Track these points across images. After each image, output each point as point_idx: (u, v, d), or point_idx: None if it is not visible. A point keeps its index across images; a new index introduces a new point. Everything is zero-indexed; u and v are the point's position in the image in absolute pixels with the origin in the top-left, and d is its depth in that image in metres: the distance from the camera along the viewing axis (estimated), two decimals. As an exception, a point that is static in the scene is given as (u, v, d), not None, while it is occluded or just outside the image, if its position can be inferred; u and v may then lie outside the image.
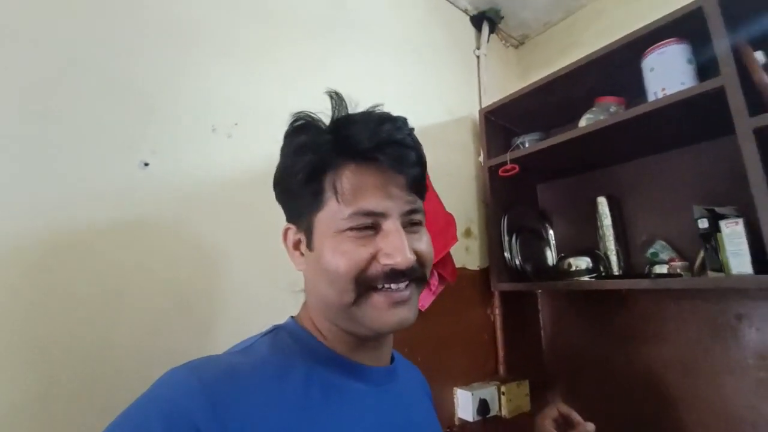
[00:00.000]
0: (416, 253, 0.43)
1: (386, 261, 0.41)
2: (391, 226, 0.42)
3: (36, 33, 0.60)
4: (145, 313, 0.63)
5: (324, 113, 0.46)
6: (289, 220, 0.48)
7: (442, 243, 0.91)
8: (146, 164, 0.67)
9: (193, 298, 0.68)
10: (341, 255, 0.41)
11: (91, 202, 0.61)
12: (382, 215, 0.42)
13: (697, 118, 0.85)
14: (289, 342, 0.44)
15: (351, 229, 0.41)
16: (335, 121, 0.45)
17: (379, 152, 0.41)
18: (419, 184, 0.45)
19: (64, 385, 0.55)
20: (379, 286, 0.41)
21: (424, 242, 0.45)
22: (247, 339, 0.46)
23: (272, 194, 0.52)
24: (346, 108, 0.46)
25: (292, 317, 0.49)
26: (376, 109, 0.45)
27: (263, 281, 0.76)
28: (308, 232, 0.44)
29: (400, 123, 0.44)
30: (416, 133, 0.48)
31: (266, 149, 0.81)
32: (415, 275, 0.43)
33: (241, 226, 0.75)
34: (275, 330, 0.46)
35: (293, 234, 0.47)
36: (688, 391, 0.94)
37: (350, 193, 0.41)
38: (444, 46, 1.26)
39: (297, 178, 0.43)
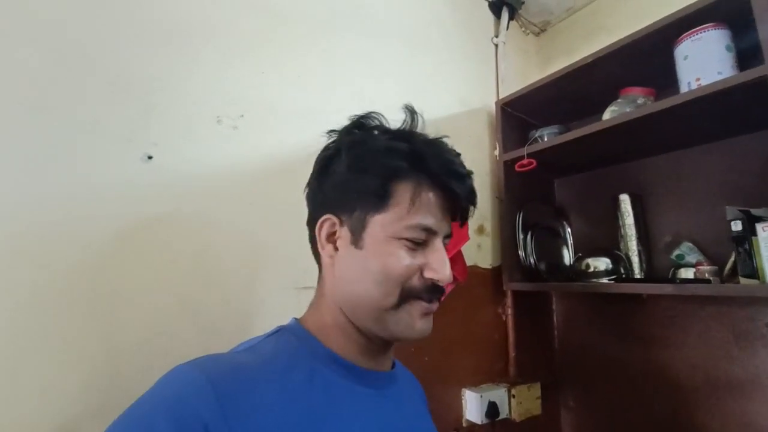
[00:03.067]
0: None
1: (431, 275, 0.44)
2: (439, 244, 0.46)
3: (35, 26, 0.58)
4: (148, 311, 0.62)
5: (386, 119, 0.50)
6: (330, 211, 0.47)
7: (453, 241, 0.88)
8: (150, 157, 0.65)
9: (197, 295, 0.67)
10: (396, 260, 0.43)
11: (92, 197, 0.60)
12: (434, 233, 0.45)
13: (734, 110, 0.79)
14: (294, 342, 0.45)
15: (408, 239, 0.44)
16: (410, 134, 0.48)
17: (449, 179, 0.46)
18: (466, 215, 0.51)
19: (60, 384, 0.54)
20: (417, 297, 0.44)
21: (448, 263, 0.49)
22: (251, 339, 0.46)
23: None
24: (418, 124, 0.50)
25: (295, 318, 0.50)
26: (443, 138, 0.50)
27: (268, 278, 0.75)
28: (358, 230, 0.45)
29: (460, 159, 0.49)
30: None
31: (273, 141, 0.80)
32: (442, 293, 0.47)
33: (243, 221, 0.73)
34: (279, 331, 0.47)
35: (331, 226, 0.47)
36: (710, 400, 0.89)
37: (420, 206, 0.45)
38: (460, 34, 1.20)
39: (367, 176, 0.45)
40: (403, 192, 0.45)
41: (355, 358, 0.46)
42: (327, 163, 0.48)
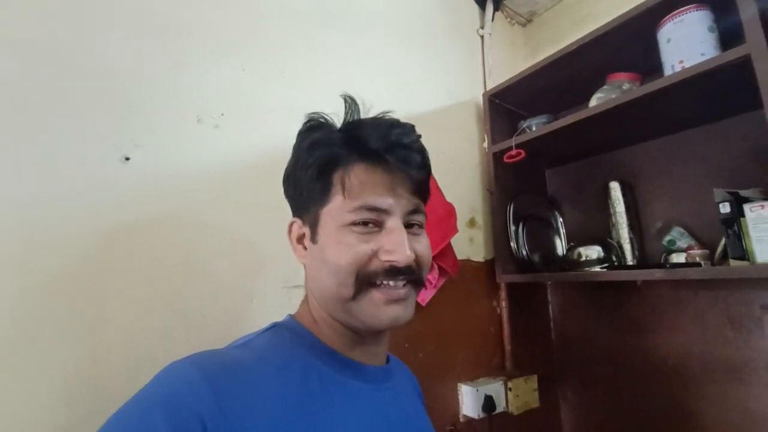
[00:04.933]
0: (416, 254, 0.44)
1: (387, 257, 0.42)
2: (394, 223, 0.43)
3: (10, 24, 0.58)
4: (134, 312, 0.61)
5: (336, 114, 0.49)
6: (296, 214, 0.50)
7: (441, 234, 0.87)
8: (127, 158, 0.64)
9: (182, 297, 0.66)
10: (344, 248, 0.42)
11: (69, 200, 0.59)
12: (386, 212, 0.43)
13: (719, 92, 0.78)
14: (289, 338, 0.45)
15: (355, 223, 0.43)
16: (348, 123, 0.48)
17: (388, 153, 0.43)
18: (423, 188, 0.47)
19: (47, 388, 0.53)
20: (378, 283, 0.42)
21: (423, 245, 0.46)
22: (246, 336, 0.46)
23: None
24: (359, 111, 0.49)
25: (290, 315, 0.50)
26: (387, 114, 0.48)
27: (255, 277, 0.74)
28: (314, 226, 0.46)
29: (408, 128, 0.46)
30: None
31: (255, 140, 0.79)
32: (412, 276, 0.44)
33: (228, 220, 0.72)
34: (274, 327, 0.47)
35: (298, 228, 0.49)
36: (707, 385, 0.88)
37: (358, 188, 0.43)
38: (445, 26, 1.19)
39: (308, 171, 0.46)
40: (342, 178, 0.44)
41: (348, 352, 0.46)
42: (285, 169, 0.51)
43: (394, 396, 0.48)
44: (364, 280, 0.42)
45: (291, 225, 0.50)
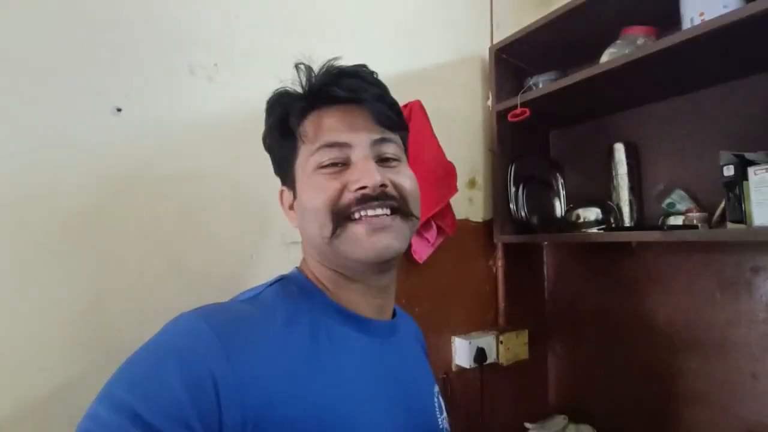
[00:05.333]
0: (394, 183, 0.44)
1: (354, 186, 0.42)
2: (359, 154, 0.43)
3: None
4: (132, 267, 0.62)
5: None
6: (283, 182, 0.51)
7: (441, 193, 0.87)
8: (119, 110, 0.62)
9: (181, 252, 0.67)
10: (315, 190, 0.43)
11: (60, 153, 0.58)
12: (347, 146, 0.43)
13: (739, 48, 0.74)
14: (296, 292, 0.45)
15: (322, 166, 0.43)
16: (304, 86, 0.47)
17: (332, 86, 0.44)
18: (387, 118, 0.45)
19: (56, 339, 0.56)
20: (356, 216, 0.42)
21: (404, 176, 0.46)
22: (254, 288, 0.46)
23: (258, 140, 0.51)
24: (313, 74, 0.47)
25: (297, 267, 0.50)
26: (336, 61, 0.47)
27: (254, 233, 0.75)
28: (292, 185, 0.47)
29: (359, 66, 0.46)
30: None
31: (250, 91, 0.75)
32: (394, 204, 0.43)
33: (226, 175, 0.72)
34: (282, 280, 0.47)
35: (287, 195, 0.50)
36: (693, 343, 0.92)
37: (313, 132, 0.44)
38: (452, -28, 1.11)
39: (273, 135, 0.48)
40: (303, 126, 0.45)
41: (355, 307, 0.46)
42: (263, 144, 0.51)
43: (399, 350, 0.49)
44: (341, 215, 0.42)
45: (281, 194, 0.51)
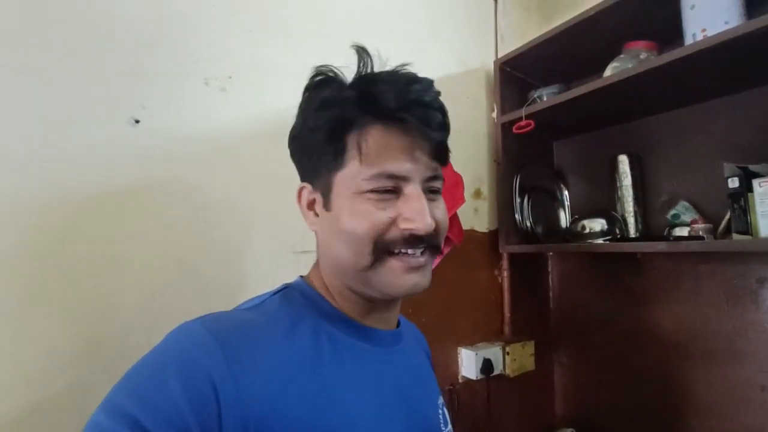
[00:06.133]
0: (435, 221, 0.42)
1: (406, 225, 0.40)
2: (413, 190, 0.41)
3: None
4: (144, 275, 0.63)
5: (347, 68, 0.44)
6: (305, 179, 0.46)
7: (449, 204, 0.87)
8: (137, 121, 0.64)
9: (192, 259, 0.68)
10: (361, 217, 0.40)
11: (79, 163, 0.59)
12: (404, 179, 0.41)
13: (741, 63, 0.76)
14: (300, 300, 0.44)
15: (372, 191, 0.40)
16: (361, 78, 0.43)
17: (407, 113, 0.40)
18: (443, 150, 0.44)
19: (66, 347, 0.56)
20: (396, 251, 0.41)
21: (441, 210, 0.45)
22: (257, 297, 0.45)
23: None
24: (372, 64, 0.44)
25: (301, 277, 0.49)
26: (404, 68, 0.43)
27: (264, 240, 0.75)
28: (326, 192, 0.43)
29: (427, 84, 0.42)
30: None
31: (263, 103, 0.77)
32: (431, 243, 0.42)
33: (238, 184, 0.73)
34: (286, 289, 0.46)
35: (308, 193, 0.46)
36: (700, 353, 0.92)
37: (375, 153, 0.40)
38: (457, -12, 1.14)
39: (318, 134, 0.42)
40: (357, 142, 0.40)
41: (359, 316, 0.45)
42: (292, 130, 0.47)
43: (402, 359, 0.49)
44: (382, 249, 0.40)
45: (300, 190, 0.47)
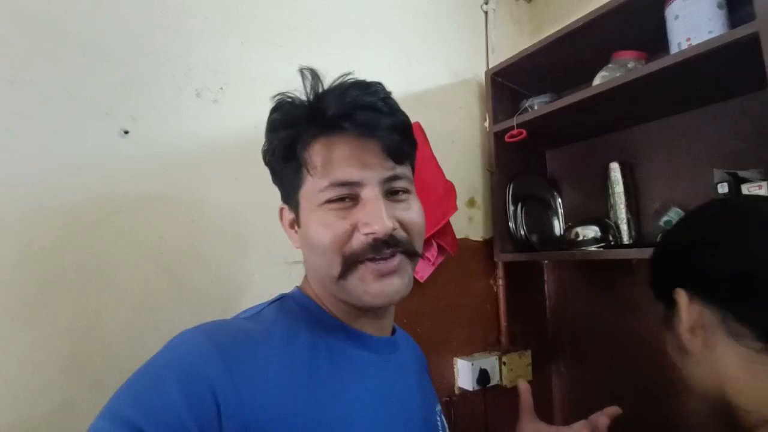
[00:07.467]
0: (403, 222, 0.42)
1: (365, 230, 0.40)
2: (369, 193, 0.41)
3: (-1, -9, 0.56)
4: (134, 287, 0.62)
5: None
6: (282, 199, 0.48)
7: (441, 212, 0.88)
8: (126, 132, 0.64)
9: (183, 271, 0.67)
10: (324, 228, 0.41)
11: (68, 174, 0.59)
12: (358, 184, 0.41)
13: (726, 71, 0.77)
14: (296, 310, 0.45)
15: (329, 201, 0.41)
16: (309, 95, 0.44)
17: (346, 120, 0.40)
18: (399, 151, 0.43)
19: (52, 360, 0.55)
20: (363, 259, 0.41)
21: (413, 211, 0.44)
22: (254, 307, 0.46)
23: (262, 162, 0.50)
24: (322, 84, 0.44)
25: (297, 287, 0.50)
26: (348, 77, 0.43)
27: (256, 252, 0.75)
28: (296, 210, 0.45)
29: (372, 88, 0.42)
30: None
31: (254, 115, 0.77)
32: (402, 246, 0.42)
33: (229, 195, 0.73)
34: (282, 298, 0.47)
35: (287, 213, 0.48)
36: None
37: (321, 165, 0.41)
38: (449, 0, 1.16)
39: (277, 155, 0.44)
40: (310, 156, 0.41)
41: (354, 324, 0.46)
42: (262, 157, 0.48)
43: (399, 367, 0.49)
44: (351, 258, 0.40)
45: (281, 211, 0.49)
